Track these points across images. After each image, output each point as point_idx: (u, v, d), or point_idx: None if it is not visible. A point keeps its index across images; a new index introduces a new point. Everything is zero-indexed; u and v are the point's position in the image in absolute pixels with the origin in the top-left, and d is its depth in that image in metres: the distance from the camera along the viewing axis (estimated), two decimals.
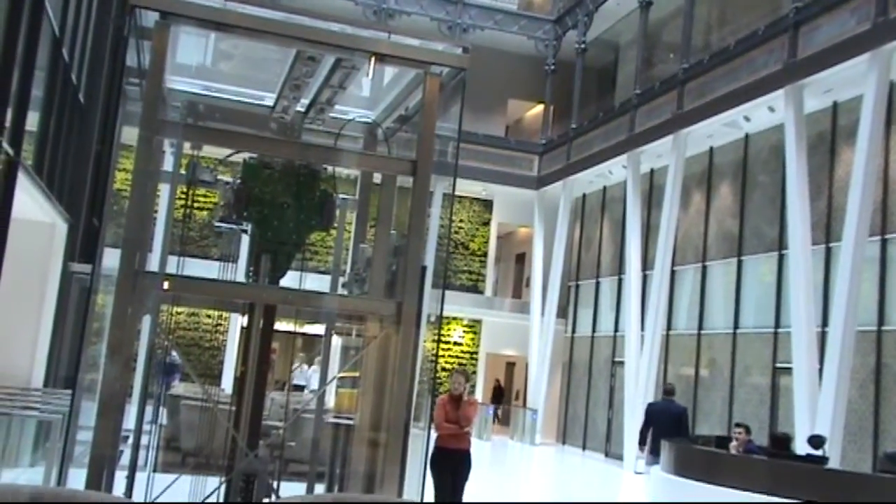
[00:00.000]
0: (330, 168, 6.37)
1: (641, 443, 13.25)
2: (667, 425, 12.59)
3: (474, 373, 28.58)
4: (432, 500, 8.37)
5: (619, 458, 20.46)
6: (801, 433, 13.07)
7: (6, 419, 9.06)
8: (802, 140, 15.45)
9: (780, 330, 16.83)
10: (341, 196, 6.97)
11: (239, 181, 6.03)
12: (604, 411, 23.12)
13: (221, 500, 5.87)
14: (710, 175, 20.17)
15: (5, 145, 7.92)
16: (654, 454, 12.49)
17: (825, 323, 14.87)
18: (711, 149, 20.07)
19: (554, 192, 26.17)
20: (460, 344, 28.53)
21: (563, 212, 25.32)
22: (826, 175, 16.18)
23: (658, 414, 13.03)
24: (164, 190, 9.17)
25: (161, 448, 10.44)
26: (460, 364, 28.34)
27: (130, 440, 7.00)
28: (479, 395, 28.12)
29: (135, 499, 6.05)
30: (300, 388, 18.92)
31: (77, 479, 5.57)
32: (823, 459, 10.59)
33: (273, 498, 5.87)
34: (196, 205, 7.25)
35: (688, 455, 11.40)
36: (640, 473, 18.60)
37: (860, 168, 13.67)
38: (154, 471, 6.79)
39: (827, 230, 15.82)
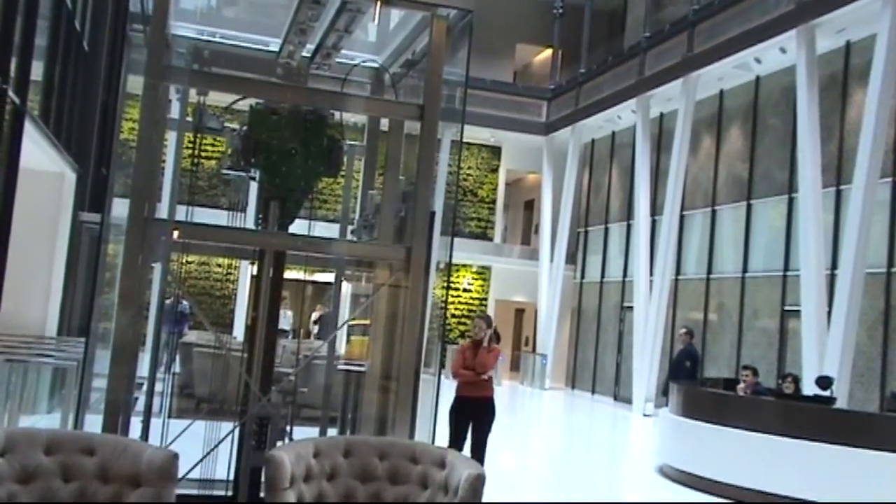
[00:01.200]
0: (337, 114, 6.34)
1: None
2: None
3: None
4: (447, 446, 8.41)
5: (628, 401, 20.63)
6: (809, 375, 13.14)
7: (22, 367, 9.18)
8: (814, 81, 15.28)
9: (788, 273, 16.84)
10: (349, 143, 6.95)
11: (245, 128, 6.02)
12: (613, 356, 23.26)
13: (236, 443, 5.96)
14: (720, 119, 20.02)
15: (11, 94, 7.90)
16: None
17: (835, 265, 14.87)
18: (722, 92, 19.89)
19: (562, 137, 26.03)
20: (469, 291, 28.63)
21: (572, 158, 25.21)
22: (838, 117, 16.04)
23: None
24: (171, 138, 9.16)
25: (175, 395, 10.59)
26: (470, 311, 28.48)
27: (145, 387, 7.08)
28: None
29: (150, 443, 6.14)
30: (284, 332, 19.08)
31: (93, 424, 5.66)
32: (831, 400, 10.68)
33: (286, 441, 5.94)
34: (204, 154, 7.23)
35: (696, 397, 11.51)
36: (648, 416, 18.80)
37: (872, 109, 13.54)
38: (168, 417, 6.88)
39: (838, 172, 15.73)
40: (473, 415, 8.35)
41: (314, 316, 22.22)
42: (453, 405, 8.41)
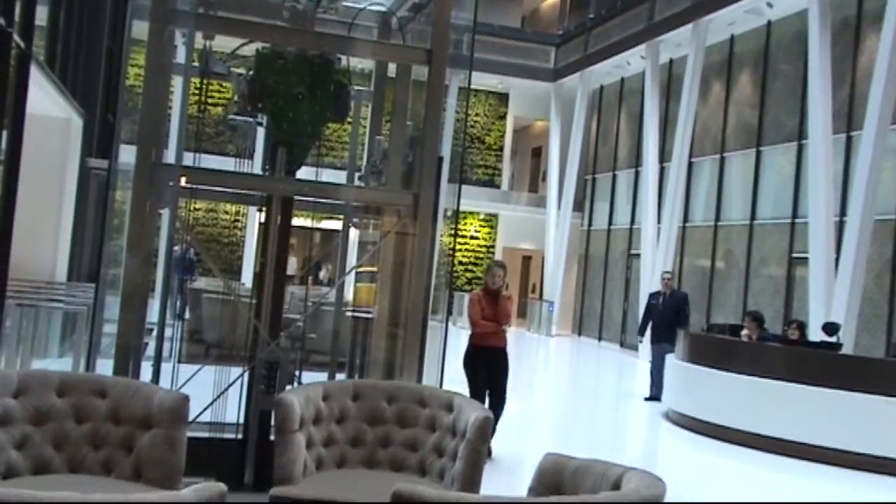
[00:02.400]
0: (344, 60, 6.29)
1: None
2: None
3: None
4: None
5: (634, 348, 20.73)
6: (816, 322, 13.17)
7: (33, 311, 9.25)
8: (826, 26, 15.08)
9: (797, 220, 16.80)
10: (356, 88, 6.91)
11: (252, 73, 5.98)
12: (619, 303, 23.33)
13: (245, 388, 6.02)
14: (730, 65, 19.81)
15: (16, 38, 7.85)
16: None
17: (843, 213, 14.82)
18: (732, 37, 19.65)
19: (571, 84, 25.81)
20: (477, 238, 28.65)
21: (580, 104, 25.03)
22: (849, 62, 15.86)
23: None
24: (177, 84, 9.10)
25: (185, 340, 10.66)
26: (477, 258, 28.53)
27: (154, 332, 7.14)
28: None
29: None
30: (289, 277, 19.33)
31: (104, 369, 5.71)
32: (837, 346, 10.72)
33: (295, 385, 6.00)
34: (210, 100, 7.19)
35: (703, 343, 11.57)
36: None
37: (885, 54, 13.36)
38: (178, 362, 6.94)
39: (848, 119, 15.60)
40: (489, 364, 8.17)
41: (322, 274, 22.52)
42: (468, 355, 8.26)
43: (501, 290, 8.16)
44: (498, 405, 8.13)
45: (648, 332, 13.34)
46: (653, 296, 13.63)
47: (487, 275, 8.35)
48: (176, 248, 8.70)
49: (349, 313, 8.13)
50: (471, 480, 4.28)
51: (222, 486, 2.58)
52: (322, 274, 23.30)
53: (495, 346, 8.18)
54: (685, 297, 13.63)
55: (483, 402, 7.87)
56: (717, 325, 14.50)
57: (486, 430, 4.36)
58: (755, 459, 9.60)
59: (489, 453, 7.92)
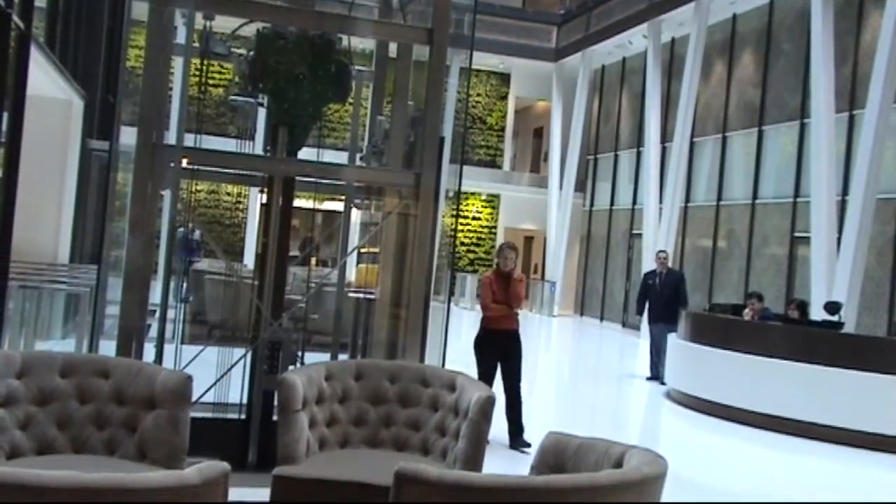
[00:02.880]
0: (345, 39, 6.27)
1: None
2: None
3: (493, 247, 28.79)
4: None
5: (636, 328, 20.76)
6: (818, 300, 13.18)
7: (35, 293, 9.26)
8: (829, 3, 15.00)
9: (799, 199, 16.77)
10: (357, 68, 6.89)
11: (252, 53, 5.97)
12: (621, 283, 23.34)
13: (248, 368, 6.04)
14: (732, 44, 19.72)
15: (15, 18, 7.81)
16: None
17: (845, 192, 14.80)
18: (735, 16, 19.56)
19: (573, 64, 25.72)
20: (478, 219, 28.63)
21: (582, 84, 24.95)
22: (852, 40, 15.78)
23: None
24: (177, 65, 9.08)
25: (187, 321, 10.68)
26: (479, 239, 28.53)
27: (157, 314, 7.15)
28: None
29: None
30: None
31: (107, 350, 5.73)
32: (839, 325, 10.73)
33: (298, 365, 6.02)
34: (211, 81, 7.18)
35: (705, 322, 11.58)
36: None
37: (888, 32, 13.29)
38: (181, 343, 6.96)
39: (851, 97, 15.54)
40: (502, 348, 7.98)
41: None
42: (479, 339, 8.09)
43: (513, 273, 7.93)
44: (513, 391, 7.97)
45: (646, 312, 13.34)
46: (648, 275, 13.58)
47: (499, 257, 8.07)
48: (181, 229, 8.70)
49: (351, 294, 8.14)
50: (473, 459, 4.30)
51: (226, 466, 2.59)
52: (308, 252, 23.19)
53: (507, 328, 8.00)
54: (682, 277, 13.59)
55: (491, 384, 7.70)
56: (719, 305, 14.52)
57: (489, 409, 4.37)
58: (756, 437, 9.63)
59: (525, 444, 7.84)
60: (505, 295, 7.91)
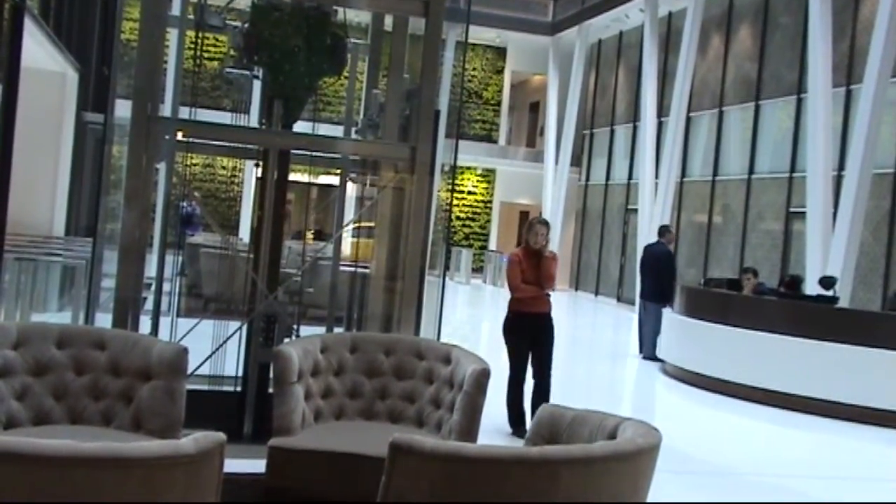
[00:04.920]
0: (340, 12, 6.24)
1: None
2: (651, 267, 12.69)
3: (488, 222, 28.79)
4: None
5: (631, 302, 20.81)
6: (813, 275, 13.22)
7: (31, 265, 9.26)
8: None
9: (795, 175, 16.77)
10: (353, 41, 6.85)
11: (247, 25, 5.93)
12: (616, 258, 23.38)
13: (244, 341, 6.06)
14: (729, 17, 19.64)
15: None
16: (643, 297, 12.74)
17: (841, 167, 14.80)
18: None
19: (569, 38, 25.61)
20: (474, 193, 28.60)
21: (578, 58, 24.85)
22: (850, 14, 15.73)
23: (647, 256, 13.06)
24: (172, 37, 9.02)
25: (183, 294, 10.67)
26: (474, 213, 28.51)
27: (153, 287, 7.16)
28: (492, 245, 28.43)
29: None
30: None
31: (103, 323, 5.74)
32: (833, 299, 10.76)
33: (293, 338, 6.04)
34: (206, 54, 7.14)
35: (700, 297, 11.61)
36: None
37: (886, 6, 13.21)
38: (177, 316, 6.97)
39: (848, 72, 15.51)
40: (532, 333, 7.35)
41: None
42: (507, 323, 7.43)
43: (544, 250, 7.24)
44: (543, 379, 7.37)
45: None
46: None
47: (529, 233, 7.29)
48: (183, 203, 8.68)
49: (346, 267, 8.14)
50: (468, 431, 4.32)
51: (221, 436, 2.60)
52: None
53: (538, 311, 7.34)
54: (662, 253, 12.82)
55: (525, 372, 7.36)
56: (714, 280, 14.54)
57: (484, 382, 4.39)
58: (751, 411, 9.69)
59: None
60: (535, 274, 7.23)
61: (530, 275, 7.25)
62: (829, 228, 14.08)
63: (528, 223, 7.43)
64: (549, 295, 7.42)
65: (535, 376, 7.38)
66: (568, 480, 2.70)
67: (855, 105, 14.58)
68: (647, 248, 13.22)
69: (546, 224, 7.37)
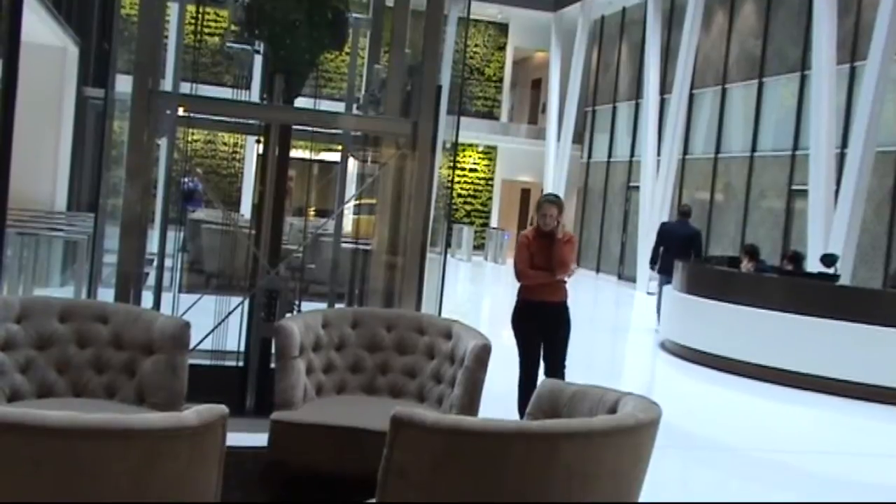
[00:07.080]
0: None
1: (653, 262, 13.37)
2: (679, 246, 12.64)
3: (490, 199, 28.75)
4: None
5: (632, 280, 20.83)
6: (814, 253, 13.22)
7: (33, 240, 9.27)
8: None
9: (797, 152, 16.73)
10: (354, 15, 6.82)
11: None
12: (618, 235, 23.37)
13: (245, 316, 6.07)
14: None
15: None
16: (664, 273, 12.67)
17: (844, 144, 14.75)
18: None
19: (572, 14, 25.46)
20: (476, 170, 28.55)
21: (581, 35, 24.70)
22: None
23: (671, 234, 13.07)
24: (173, 11, 8.98)
25: (185, 270, 10.68)
26: (476, 191, 28.47)
27: (155, 262, 7.17)
28: (494, 222, 28.41)
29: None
30: None
31: (105, 298, 5.75)
32: (835, 277, 10.77)
33: (294, 313, 6.05)
34: (207, 30, 7.11)
35: (701, 274, 11.62)
36: (651, 294, 18.99)
37: None
38: (179, 291, 6.99)
39: (853, 49, 15.43)
40: (545, 324, 6.36)
41: None
42: (517, 313, 6.42)
43: (557, 232, 6.19)
44: (555, 377, 6.05)
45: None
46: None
47: (538, 213, 6.31)
48: (186, 179, 8.68)
49: (347, 243, 8.14)
50: (469, 406, 4.35)
51: (224, 408, 2.62)
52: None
53: (551, 300, 6.34)
54: (693, 233, 13.11)
55: (538, 369, 6.42)
56: (715, 257, 14.55)
57: (485, 358, 4.40)
58: (751, 388, 9.72)
59: None
60: (546, 259, 6.21)
61: (540, 259, 6.23)
62: (831, 206, 14.06)
63: (538, 202, 6.43)
64: (564, 282, 6.42)
65: (545, 373, 6.35)
66: (568, 454, 2.72)
67: (859, 83, 14.51)
68: (670, 227, 13.25)
69: (555, 202, 6.29)
